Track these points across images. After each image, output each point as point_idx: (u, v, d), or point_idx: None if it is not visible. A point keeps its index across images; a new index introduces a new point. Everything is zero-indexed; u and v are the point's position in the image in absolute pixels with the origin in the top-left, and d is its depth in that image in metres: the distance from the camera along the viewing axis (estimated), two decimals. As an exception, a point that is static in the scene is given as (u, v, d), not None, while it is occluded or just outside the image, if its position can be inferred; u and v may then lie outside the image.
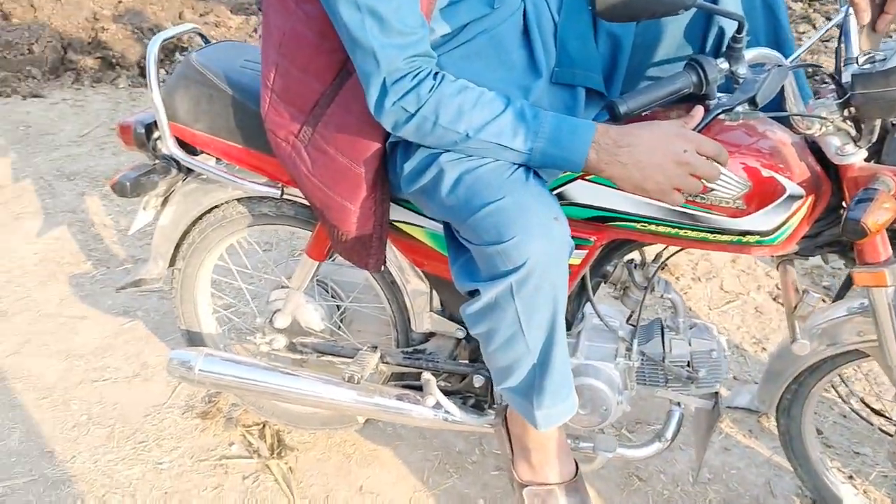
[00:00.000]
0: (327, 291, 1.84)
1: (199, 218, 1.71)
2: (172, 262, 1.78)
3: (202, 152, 1.60)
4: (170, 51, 4.73)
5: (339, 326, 1.83)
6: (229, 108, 1.50)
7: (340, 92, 1.27)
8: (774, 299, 2.45)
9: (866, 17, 1.16)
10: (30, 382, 2.15)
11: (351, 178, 1.32)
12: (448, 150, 1.20)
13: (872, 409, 1.64)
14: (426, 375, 1.61)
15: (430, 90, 1.14)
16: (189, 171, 1.67)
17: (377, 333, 1.83)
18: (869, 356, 1.41)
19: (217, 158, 1.61)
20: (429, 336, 1.71)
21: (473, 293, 1.23)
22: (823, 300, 1.64)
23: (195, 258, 1.76)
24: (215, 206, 1.68)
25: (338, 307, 1.83)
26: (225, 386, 1.71)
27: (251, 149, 1.51)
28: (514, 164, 1.18)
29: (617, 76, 1.35)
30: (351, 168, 1.31)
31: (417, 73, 1.14)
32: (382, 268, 1.49)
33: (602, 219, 1.34)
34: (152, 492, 1.81)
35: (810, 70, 1.17)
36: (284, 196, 1.58)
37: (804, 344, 1.34)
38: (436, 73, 1.16)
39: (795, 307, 1.35)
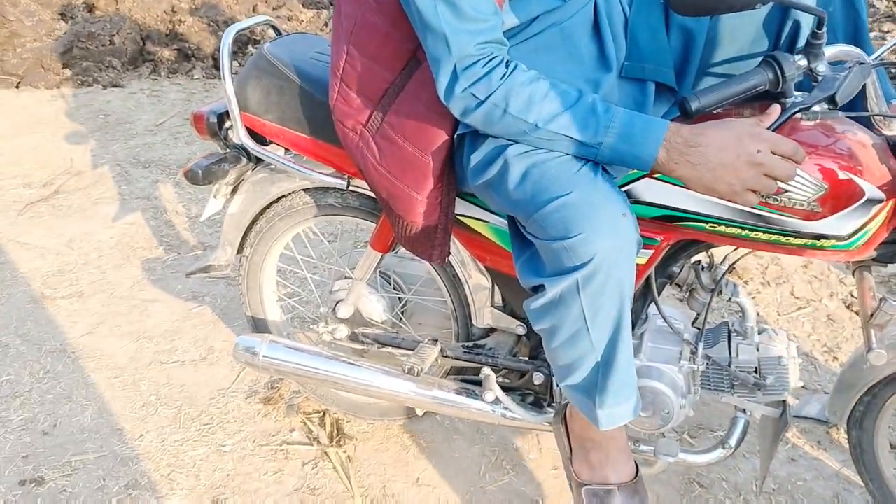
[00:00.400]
0: (389, 283, 1.86)
1: (267, 207, 1.74)
2: (240, 250, 1.82)
3: (272, 142, 1.64)
4: (243, 43, 4.84)
5: (401, 318, 1.84)
6: (298, 99, 1.52)
7: (410, 81, 1.28)
8: (848, 307, 2.35)
9: None
10: (102, 362, 2.23)
11: (418, 168, 1.32)
12: (516, 142, 1.19)
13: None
14: (486, 370, 1.61)
15: (502, 78, 1.13)
16: (258, 160, 1.70)
17: (437, 327, 1.84)
18: (951, 370, 1.35)
19: (286, 149, 1.64)
20: (489, 332, 1.71)
21: (538, 289, 1.21)
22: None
23: (262, 246, 1.80)
24: (283, 196, 1.71)
25: (399, 299, 1.84)
26: (287, 373, 1.74)
27: (319, 139, 1.53)
28: (583, 159, 1.16)
29: (689, 72, 1.31)
30: (419, 157, 1.31)
31: (490, 61, 1.14)
32: (445, 261, 1.49)
33: (670, 218, 1.31)
34: (215, 473, 1.86)
35: (894, 70, 1.12)
36: (350, 187, 1.60)
37: (881, 354, 1.28)
38: (508, 62, 1.16)
39: (872, 315, 1.29)
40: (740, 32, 1.30)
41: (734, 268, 2.47)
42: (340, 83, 1.35)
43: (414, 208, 1.36)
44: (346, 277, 1.79)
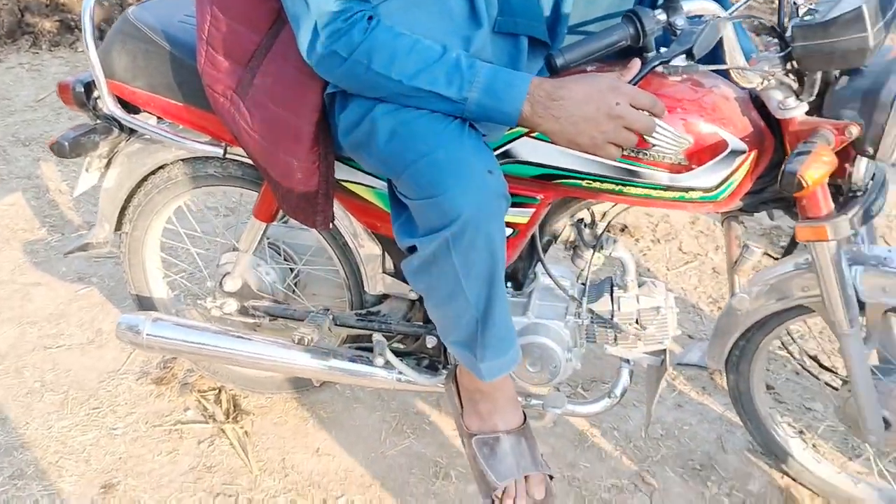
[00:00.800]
0: (280, 254, 1.82)
1: (144, 179, 1.67)
2: (119, 226, 1.75)
3: (144, 111, 1.56)
4: (121, 11, 4.60)
5: (294, 290, 1.81)
6: (168, 64, 1.46)
7: (277, 41, 1.25)
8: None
9: None
10: (-19, 350, 2.12)
11: (292, 132, 1.29)
12: (383, 101, 1.18)
13: (822, 366, 1.66)
14: (377, 336, 1.61)
15: (364, 32, 1.11)
16: (132, 131, 1.62)
17: (332, 296, 1.82)
18: (814, 311, 1.42)
19: (158, 117, 1.57)
20: (383, 298, 1.70)
21: (413, 249, 1.22)
22: (769, 255, 1.64)
23: (142, 221, 1.73)
24: (160, 168, 1.64)
25: (291, 270, 1.81)
26: (175, 350, 1.69)
27: (192, 106, 1.48)
28: (450, 115, 1.16)
29: (561, 26, 1.32)
30: (291, 121, 1.28)
31: (351, 17, 1.12)
32: (331, 226, 1.47)
33: (548, 177, 1.33)
34: (106, 457, 1.80)
35: (756, 23, 1.15)
36: (228, 155, 1.55)
37: (743, 298, 1.34)
38: (370, 17, 1.14)
39: (736, 262, 1.35)
40: (609, -12, 1.32)
41: (618, 225, 2.55)
42: (207, 47, 1.30)
43: (291, 174, 1.33)
44: (233, 250, 1.75)
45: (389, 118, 1.17)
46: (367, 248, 1.62)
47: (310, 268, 1.81)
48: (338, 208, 1.50)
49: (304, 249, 1.81)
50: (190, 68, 1.42)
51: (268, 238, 1.76)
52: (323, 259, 1.77)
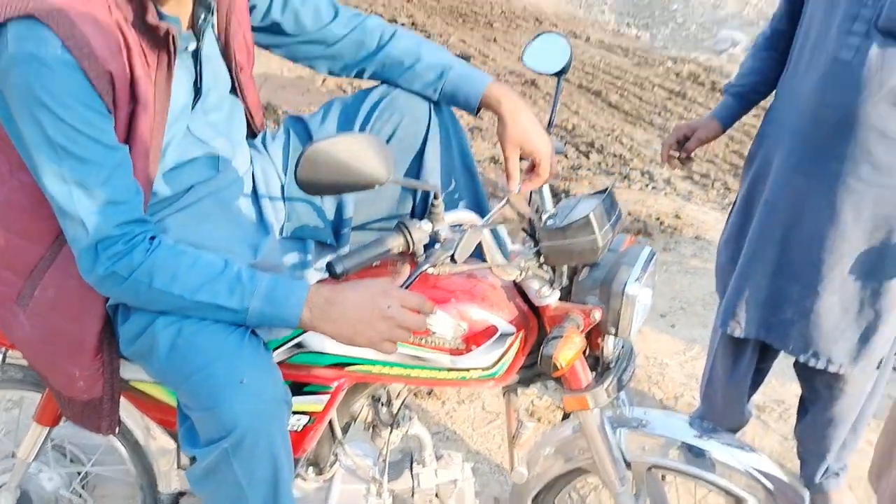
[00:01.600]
0: (65, 456, 1.71)
1: None
2: None
3: None
4: None
5: (80, 494, 1.70)
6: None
7: (60, 254, 1.25)
8: (531, 415, 2.62)
9: (514, 185, 1.40)
10: None
11: (74, 342, 1.28)
12: (164, 313, 1.21)
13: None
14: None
15: (145, 253, 1.15)
16: None
17: (124, 497, 1.72)
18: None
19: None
20: (179, 496, 1.64)
21: (194, 458, 1.22)
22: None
23: None
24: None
25: (78, 473, 1.70)
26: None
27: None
28: (231, 325, 1.21)
29: (345, 228, 1.44)
30: (73, 331, 1.27)
31: (131, 239, 1.16)
32: (116, 431, 1.43)
33: (341, 364, 1.40)
34: None
35: (510, 228, 1.34)
36: (7, 360, 1.48)
37: (522, 473, 1.45)
38: (151, 238, 1.18)
39: (514, 437, 1.47)
40: (383, 196, 1.47)
41: (431, 389, 2.66)
42: (-14, 258, 1.28)
43: (73, 384, 1.30)
44: (9, 457, 1.62)
45: (169, 331, 1.20)
46: (160, 444, 1.57)
47: (99, 468, 1.71)
48: (127, 405, 1.47)
49: (93, 449, 1.72)
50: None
51: (52, 440, 1.66)
52: (114, 457, 1.69)
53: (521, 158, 1.43)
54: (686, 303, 3.39)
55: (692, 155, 2.15)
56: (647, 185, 4.93)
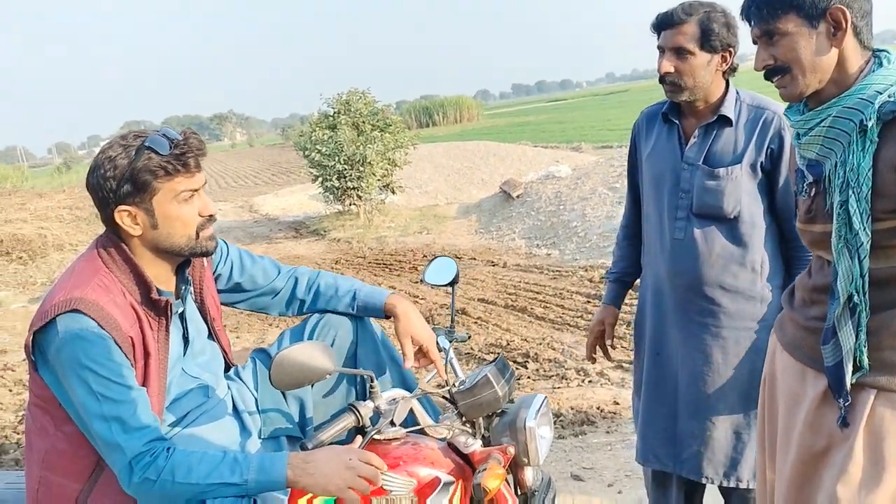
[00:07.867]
0: None
1: None
2: None
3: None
4: None
5: None
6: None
7: (97, 485, 1.62)
8: None
9: (409, 363, 1.88)
10: None
11: None
12: None
13: None
14: None
15: (166, 459, 1.54)
16: None
17: None
18: None
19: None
20: None
21: None
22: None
23: None
24: None
25: None
26: None
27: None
28: (238, 497, 1.58)
29: (308, 424, 1.87)
30: None
31: (154, 452, 1.55)
32: None
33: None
34: None
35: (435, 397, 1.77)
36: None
37: None
38: (168, 448, 1.57)
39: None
40: (334, 396, 1.92)
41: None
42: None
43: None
44: None
45: None
46: None
47: None
48: None
49: None
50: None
51: None
52: None
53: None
54: (630, 471, 3.72)
55: (611, 344, 2.54)
56: (584, 381, 5.32)
